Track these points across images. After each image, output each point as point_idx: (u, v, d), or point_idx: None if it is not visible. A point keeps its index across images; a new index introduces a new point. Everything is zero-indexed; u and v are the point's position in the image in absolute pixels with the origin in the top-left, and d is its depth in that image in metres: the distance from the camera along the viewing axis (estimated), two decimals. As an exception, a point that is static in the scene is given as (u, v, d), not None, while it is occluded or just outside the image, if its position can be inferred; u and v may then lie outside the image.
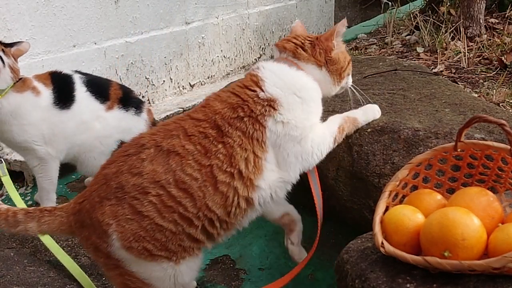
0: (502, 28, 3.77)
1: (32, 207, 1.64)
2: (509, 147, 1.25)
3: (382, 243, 1.18)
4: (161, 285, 1.50)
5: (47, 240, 1.92)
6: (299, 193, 1.97)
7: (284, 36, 4.61)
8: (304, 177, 1.87)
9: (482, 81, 2.99)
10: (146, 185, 1.43)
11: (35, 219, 1.57)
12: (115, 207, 1.43)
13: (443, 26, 3.71)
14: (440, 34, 3.62)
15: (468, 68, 3.20)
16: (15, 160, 2.57)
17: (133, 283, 1.50)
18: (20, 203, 2.02)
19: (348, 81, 1.69)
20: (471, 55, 3.32)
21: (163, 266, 1.47)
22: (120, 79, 3.17)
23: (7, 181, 2.06)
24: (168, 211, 1.43)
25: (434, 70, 3.07)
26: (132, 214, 1.42)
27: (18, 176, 2.58)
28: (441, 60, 3.35)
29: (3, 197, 2.49)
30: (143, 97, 3.35)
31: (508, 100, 2.62)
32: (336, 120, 1.66)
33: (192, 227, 1.45)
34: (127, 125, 2.30)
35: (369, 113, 1.74)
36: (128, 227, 1.42)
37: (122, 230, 1.43)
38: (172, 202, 1.43)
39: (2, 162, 2.10)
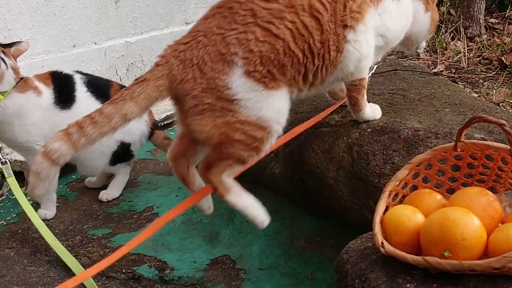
0: (502, 28, 3.78)
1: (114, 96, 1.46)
2: (509, 147, 1.25)
3: (382, 243, 1.18)
4: (275, 118, 1.44)
5: (50, 239, 1.92)
6: (299, 193, 1.97)
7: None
8: (303, 177, 1.87)
9: (482, 81, 3.00)
10: (282, 9, 1.42)
11: (126, 99, 1.39)
12: (243, 35, 1.38)
13: (443, 26, 3.71)
14: (440, 34, 3.62)
15: (468, 68, 3.20)
16: (15, 160, 2.57)
17: (236, 130, 1.40)
18: (26, 205, 2.00)
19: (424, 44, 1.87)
20: (471, 55, 3.32)
21: (278, 95, 1.43)
22: (120, 79, 3.17)
23: (12, 182, 2.05)
24: (301, 40, 1.42)
25: (434, 70, 3.07)
26: (265, 37, 1.39)
27: (18, 176, 2.58)
28: (441, 60, 3.36)
29: (3, 197, 2.49)
30: (143, 97, 3.35)
31: (508, 100, 2.63)
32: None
33: (312, 64, 1.47)
34: (128, 125, 2.30)
35: (372, 111, 1.76)
36: (257, 50, 1.38)
37: (248, 56, 1.38)
38: (305, 30, 1.43)
39: (7, 163, 2.09)
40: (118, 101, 1.39)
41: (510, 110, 2.47)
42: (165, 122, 3.21)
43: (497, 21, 3.94)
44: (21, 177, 2.57)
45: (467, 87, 2.87)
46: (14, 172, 2.54)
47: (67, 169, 2.44)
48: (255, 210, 1.51)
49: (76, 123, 1.39)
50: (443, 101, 1.90)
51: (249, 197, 1.51)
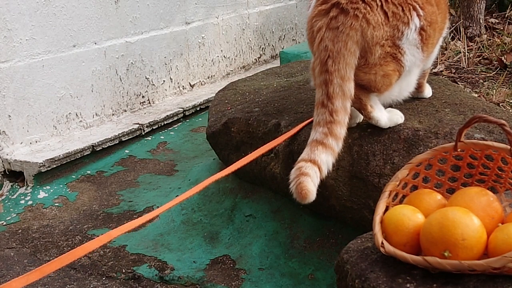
0: (502, 28, 3.77)
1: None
2: (509, 147, 1.25)
3: (382, 243, 1.18)
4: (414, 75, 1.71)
5: None
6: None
7: (284, 36, 4.62)
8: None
9: (482, 81, 2.99)
10: None
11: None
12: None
13: (443, 26, 3.70)
14: (440, 34, 3.61)
15: (468, 68, 3.20)
16: (15, 160, 2.57)
17: (390, 76, 1.61)
18: None
19: None
20: (471, 55, 3.32)
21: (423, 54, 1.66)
22: (120, 79, 3.17)
23: None
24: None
25: (434, 70, 3.07)
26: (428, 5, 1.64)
27: (18, 176, 2.58)
28: (441, 60, 3.35)
29: (4, 197, 2.49)
30: (143, 97, 3.35)
31: (508, 100, 2.62)
32: None
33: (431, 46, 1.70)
34: None
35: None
36: (427, 11, 1.61)
37: (424, 15, 1.60)
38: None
39: None
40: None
41: (510, 110, 2.47)
42: (165, 122, 3.21)
43: (497, 21, 3.94)
44: (21, 177, 2.58)
45: (467, 87, 2.87)
46: (14, 172, 2.55)
47: (67, 169, 2.44)
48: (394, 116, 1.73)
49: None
50: (443, 101, 1.90)
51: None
